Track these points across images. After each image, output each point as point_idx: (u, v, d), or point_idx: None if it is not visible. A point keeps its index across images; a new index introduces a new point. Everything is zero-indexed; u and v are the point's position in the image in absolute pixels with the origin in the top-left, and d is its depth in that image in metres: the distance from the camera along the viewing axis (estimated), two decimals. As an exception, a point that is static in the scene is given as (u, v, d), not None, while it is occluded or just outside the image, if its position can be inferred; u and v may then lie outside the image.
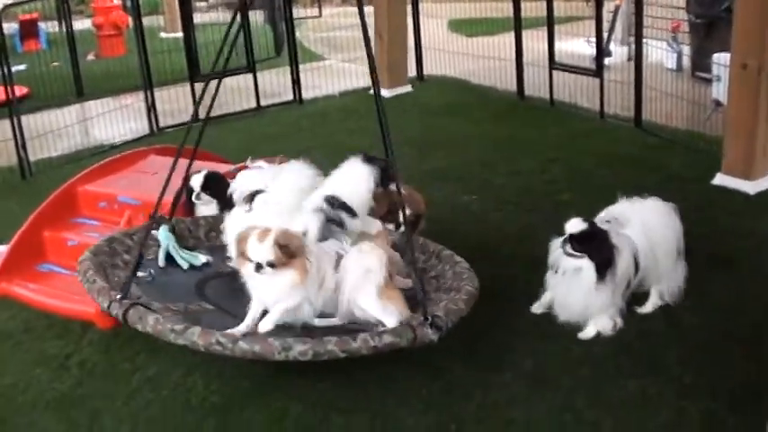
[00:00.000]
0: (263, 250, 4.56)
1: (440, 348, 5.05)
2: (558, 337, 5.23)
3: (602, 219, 5.43)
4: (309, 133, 9.31)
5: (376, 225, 5.35)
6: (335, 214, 5.10)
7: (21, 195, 8.20)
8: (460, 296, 4.87)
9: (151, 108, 10.20)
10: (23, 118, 9.07)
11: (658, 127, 8.84)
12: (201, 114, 5.60)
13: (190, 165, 5.65)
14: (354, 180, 5.31)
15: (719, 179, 7.38)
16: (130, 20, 12.88)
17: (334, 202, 5.13)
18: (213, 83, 5.47)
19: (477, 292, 4.93)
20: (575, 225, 5.14)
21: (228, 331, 4.50)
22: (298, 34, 11.48)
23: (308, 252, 4.72)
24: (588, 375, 4.89)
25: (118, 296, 4.70)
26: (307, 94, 11.14)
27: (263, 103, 10.74)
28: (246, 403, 4.82)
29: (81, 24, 14.72)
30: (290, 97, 11.02)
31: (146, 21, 10.71)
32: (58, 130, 9.90)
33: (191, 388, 4.98)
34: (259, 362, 4.88)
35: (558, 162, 8.07)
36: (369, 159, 5.36)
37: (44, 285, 6.13)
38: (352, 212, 5.17)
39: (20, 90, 9.91)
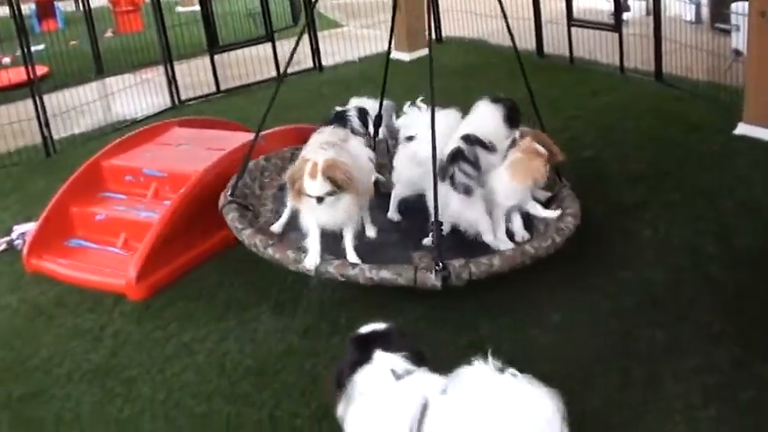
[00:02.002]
0: (316, 185, 4.83)
1: (466, 304, 5.13)
2: (587, 292, 5.26)
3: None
4: (332, 100, 9.26)
5: None
6: (471, 150, 5.32)
7: (47, 173, 8.26)
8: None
9: (172, 81, 10.22)
10: (45, 97, 9.12)
11: (679, 79, 8.79)
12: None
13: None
14: (485, 118, 5.58)
15: (742, 129, 7.34)
16: (146, -5, 12.91)
17: (469, 139, 5.36)
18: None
19: (516, 256, 5.04)
20: None
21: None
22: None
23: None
24: (617, 327, 4.92)
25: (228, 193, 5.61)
26: (326, 61, 11.14)
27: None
28: (280, 366, 4.88)
29: (97, 2, 14.72)
30: (310, 65, 11.04)
31: (161, -5, 10.71)
32: (80, 107, 9.95)
33: (225, 353, 5.05)
34: (291, 328, 5.15)
35: (579, 119, 8.05)
36: (496, 99, 5.67)
37: (74, 260, 6.23)
38: (487, 147, 5.39)
39: (40, 70, 9.96)
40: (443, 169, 5.24)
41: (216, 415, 4.55)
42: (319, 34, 11.10)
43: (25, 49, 8.87)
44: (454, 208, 5.30)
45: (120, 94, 10.48)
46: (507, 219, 5.47)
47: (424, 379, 3.50)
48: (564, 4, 9.97)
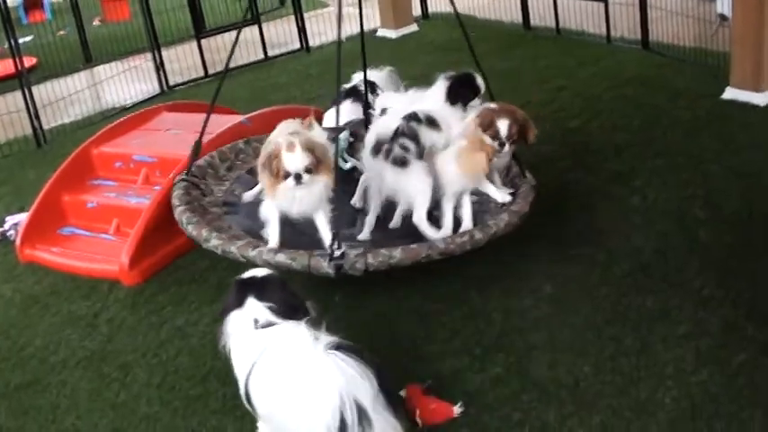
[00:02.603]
0: (297, 158, 4.77)
1: (458, 277, 5.17)
2: (576, 262, 5.29)
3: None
4: (319, 80, 9.31)
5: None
6: (410, 127, 5.19)
7: (38, 163, 8.27)
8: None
9: (160, 68, 10.21)
10: (34, 88, 9.10)
11: (665, 47, 8.79)
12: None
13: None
14: (434, 96, 5.48)
15: (729, 93, 7.35)
16: (132, -18, 12.87)
17: (409, 116, 5.27)
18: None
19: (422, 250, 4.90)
20: None
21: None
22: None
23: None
24: (607, 295, 4.96)
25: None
26: (313, 41, 11.12)
27: (270, 53, 10.74)
28: (273, 346, 4.90)
29: (84, -9, 14.69)
30: (297, 46, 11.02)
31: (147, -19, 10.68)
32: (69, 96, 9.93)
33: (218, 335, 5.06)
34: None
35: (566, 90, 8.06)
36: (448, 76, 5.53)
37: (67, 248, 6.25)
38: (430, 124, 5.27)
39: (28, 61, 9.93)
40: (387, 149, 5.19)
41: (211, 396, 4.59)
42: (305, 15, 11.08)
43: (13, 42, 8.85)
44: (389, 181, 5.22)
45: (108, 82, 10.46)
46: (458, 203, 5.33)
47: (281, 331, 3.73)
48: (549, -24, 9.94)
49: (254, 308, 3.80)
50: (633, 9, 9.11)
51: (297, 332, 3.72)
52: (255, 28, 10.52)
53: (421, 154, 5.20)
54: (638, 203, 5.85)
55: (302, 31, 11.00)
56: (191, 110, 7.41)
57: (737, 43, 7.36)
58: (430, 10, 11.67)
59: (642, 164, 6.35)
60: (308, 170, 4.82)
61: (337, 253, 4.69)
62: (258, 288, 3.87)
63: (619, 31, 9.35)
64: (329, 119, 6.20)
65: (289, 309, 3.82)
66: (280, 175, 4.84)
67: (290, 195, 4.91)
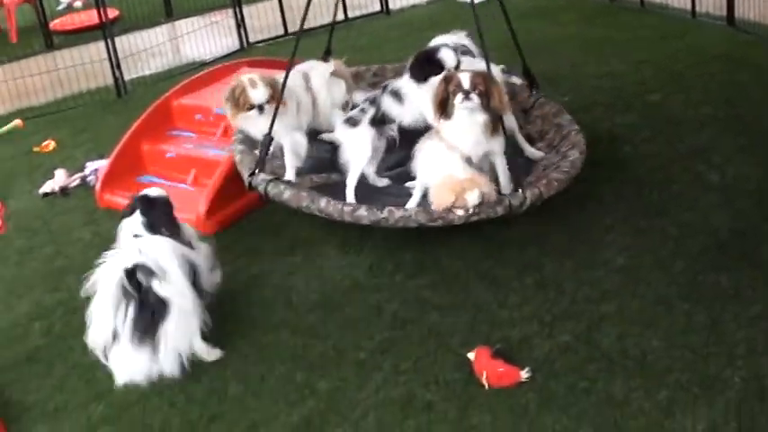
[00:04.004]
0: (260, 92, 5.46)
1: (532, 246, 5.17)
2: (651, 235, 5.25)
3: None
4: (398, 43, 9.28)
5: None
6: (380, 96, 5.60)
7: (118, 112, 8.40)
8: None
9: (240, 24, 10.27)
10: (116, 39, 9.25)
11: (752, 24, 8.59)
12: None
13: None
14: None
15: (817, 74, 7.20)
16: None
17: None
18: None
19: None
20: None
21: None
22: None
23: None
24: (681, 270, 4.91)
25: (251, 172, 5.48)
26: (393, 4, 11.09)
27: (350, 14, 10.75)
28: (344, 301, 4.98)
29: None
30: (378, 8, 11.01)
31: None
32: (150, 49, 10.06)
33: (291, 287, 5.16)
34: (357, 265, 5.27)
35: (648, 63, 7.95)
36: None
37: (145, 195, 6.34)
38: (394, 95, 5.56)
39: (111, 12, 10.07)
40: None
41: (282, 344, 4.66)
42: (387, -24, 11.05)
43: (97, -8, 8.99)
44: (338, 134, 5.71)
45: (189, 37, 10.55)
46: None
47: (144, 242, 4.61)
48: (636, -53, 9.78)
49: (135, 220, 4.75)
50: (720, -16, 8.93)
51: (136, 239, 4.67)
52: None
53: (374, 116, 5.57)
54: (717, 180, 5.77)
55: (380, -7, 10.97)
56: (271, 66, 7.44)
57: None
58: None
59: (723, 141, 6.25)
60: (268, 101, 5.49)
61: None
62: (146, 203, 4.83)
63: (704, 7, 9.17)
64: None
65: (156, 226, 4.75)
66: (243, 107, 5.51)
67: (254, 123, 5.59)
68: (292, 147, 5.68)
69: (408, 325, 4.70)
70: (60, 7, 12.79)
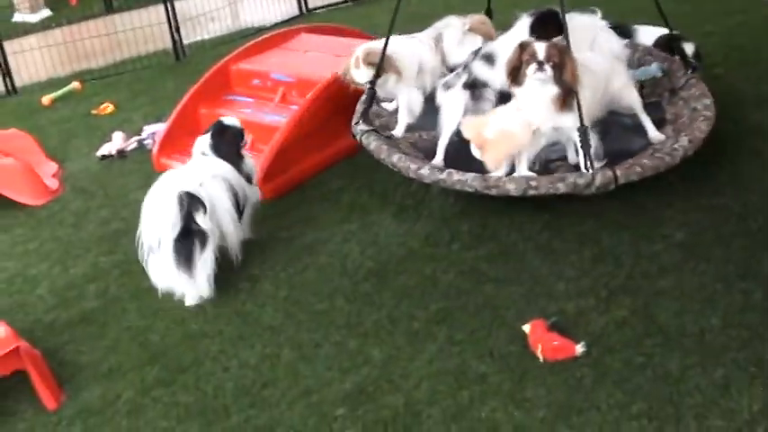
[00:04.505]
0: (363, 72, 5.64)
1: (589, 218, 5.12)
2: (711, 211, 5.17)
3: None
4: (460, 11, 9.19)
5: None
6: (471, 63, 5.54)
7: (176, 76, 8.46)
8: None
9: (300, -10, 10.28)
10: (176, 3, 9.29)
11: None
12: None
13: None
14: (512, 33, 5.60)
15: None
16: None
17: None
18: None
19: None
20: None
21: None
22: None
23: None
24: (742, 248, 4.83)
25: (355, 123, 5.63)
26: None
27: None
28: (400, 269, 4.97)
29: None
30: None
31: None
32: (209, 13, 10.09)
33: (347, 254, 5.16)
34: (413, 233, 5.27)
35: (711, 36, 7.80)
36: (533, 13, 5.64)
37: (202, 159, 6.37)
38: (486, 59, 5.49)
39: (172, -24, 10.12)
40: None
41: (336, 312, 4.68)
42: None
43: (158, -45, 9.04)
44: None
45: (248, 2, 10.56)
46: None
47: (206, 163, 5.23)
48: None
49: (205, 140, 5.31)
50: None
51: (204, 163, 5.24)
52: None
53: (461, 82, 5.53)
54: (780, 159, 5.67)
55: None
56: (330, 33, 7.46)
57: None
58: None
59: (786, 119, 6.14)
60: (378, 75, 5.68)
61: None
62: (219, 130, 5.36)
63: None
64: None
65: (221, 150, 5.27)
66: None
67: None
68: (408, 104, 5.79)
69: (463, 296, 4.69)
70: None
